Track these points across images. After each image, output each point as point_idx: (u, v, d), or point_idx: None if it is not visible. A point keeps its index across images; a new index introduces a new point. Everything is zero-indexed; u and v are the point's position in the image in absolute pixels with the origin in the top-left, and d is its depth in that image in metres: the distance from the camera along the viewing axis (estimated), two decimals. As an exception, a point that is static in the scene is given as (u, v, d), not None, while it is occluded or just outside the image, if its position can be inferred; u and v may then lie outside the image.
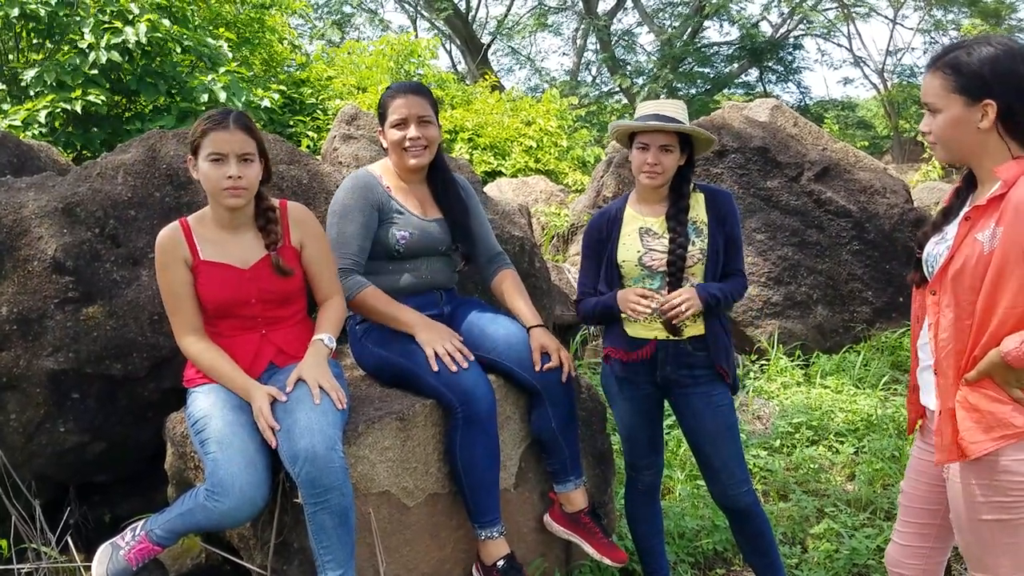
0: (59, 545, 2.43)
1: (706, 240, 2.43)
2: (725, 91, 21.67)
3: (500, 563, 2.30)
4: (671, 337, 2.40)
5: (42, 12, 6.28)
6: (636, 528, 2.66)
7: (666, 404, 2.56)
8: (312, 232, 2.30)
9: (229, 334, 2.21)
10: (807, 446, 3.92)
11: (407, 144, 2.44)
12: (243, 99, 6.73)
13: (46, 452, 2.72)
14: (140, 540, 2.09)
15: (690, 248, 2.40)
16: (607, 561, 2.43)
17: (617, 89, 22.03)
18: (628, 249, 2.45)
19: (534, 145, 9.48)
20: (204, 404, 2.09)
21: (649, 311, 2.33)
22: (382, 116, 2.49)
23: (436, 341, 2.32)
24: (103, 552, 2.11)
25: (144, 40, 6.31)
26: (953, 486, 1.71)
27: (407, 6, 23.56)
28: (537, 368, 2.42)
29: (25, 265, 2.65)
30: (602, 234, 2.53)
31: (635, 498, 2.64)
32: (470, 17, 22.23)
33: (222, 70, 6.86)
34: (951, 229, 1.75)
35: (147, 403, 2.78)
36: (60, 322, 2.63)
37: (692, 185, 2.49)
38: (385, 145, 2.51)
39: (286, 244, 2.26)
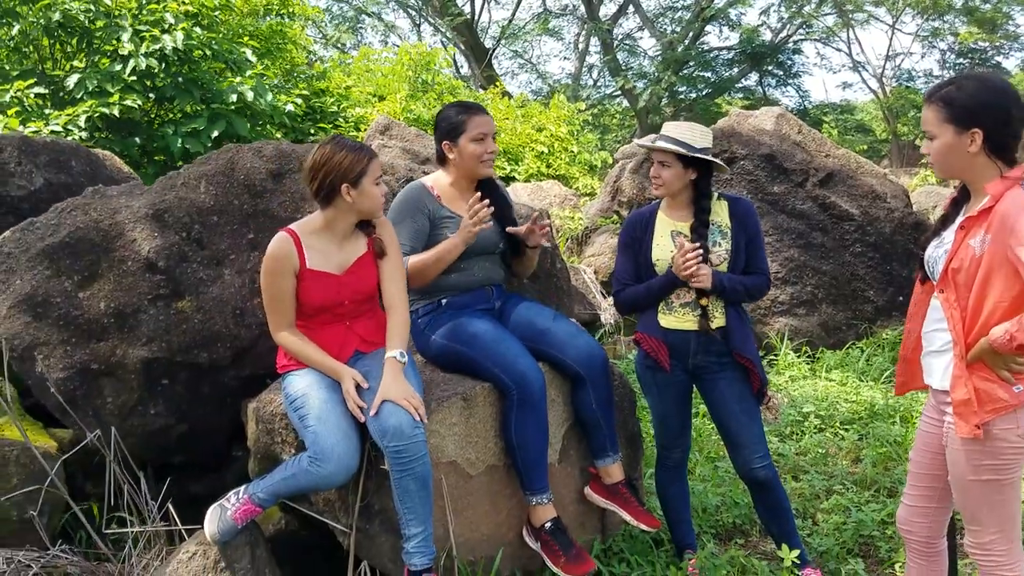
0: (160, 512, 2.74)
1: (730, 242, 2.76)
2: (726, 95, 22.03)
3: (548, 524, 2.61)
4: (701, 328, 2.72)
5: (81, 17, 6.60)
6: (667, 502, 2.99)
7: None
8: (392, 241, 2.60)
9: (319, 327, 2.53)
10: (815, 433, 4.24)
11: (486, 157, 2.78)
12: (269, 99, 7.00)
13: (137, 433, 3.03)
14: (244, 502, 2.41)
15: (716, 249, 2.74)
16: (643, 527, 2.74)
17: (618, 92, 22.41)
18: (662, 249, 2.78)
19: (545, 151, 9.80)
20: (301, 385, 2.41)
21: (694, 256, 2.63)
22: (456, 130, 2.77)
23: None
24: (212, 512, 2.42)
25: (181, 47, 6.62)
26: (952, 452, 2.04)
27: (411, 11, 23.91)
28: (526, 228, 2.82)
29: (120, 265, 2.97)
30: (636, 233, 2.86)
31: (665, 475, 2.96)
32: (474, 22, 22.57)
33: (248, 73, 7.16)
34: (948, 235, 2.08)
35: (227, 390, 3.09)
36: (153, 316, 2.95)
37: (717, 195, 2.82)
38: (450, 157, 2.82)
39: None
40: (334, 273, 2.50)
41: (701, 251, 2.65)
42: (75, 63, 6.89)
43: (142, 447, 3.08)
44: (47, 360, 2.89)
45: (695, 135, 2.74)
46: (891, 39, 38.94)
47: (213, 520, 2.41)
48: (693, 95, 21.48)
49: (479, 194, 2.71)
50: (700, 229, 2.75)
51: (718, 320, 2.75)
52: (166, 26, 6.55)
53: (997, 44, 18.79)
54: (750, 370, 2.75)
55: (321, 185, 2.40)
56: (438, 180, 2.89)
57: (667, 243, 2.79)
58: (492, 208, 2.70)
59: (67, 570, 2.59)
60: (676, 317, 2.78)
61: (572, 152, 10.08)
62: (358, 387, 2.39)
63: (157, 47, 6.36)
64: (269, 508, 2.52)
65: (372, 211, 2.49)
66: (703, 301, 2.74)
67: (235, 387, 3.09)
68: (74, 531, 3.07)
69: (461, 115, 2.77)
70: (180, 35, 6.36)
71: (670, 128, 2.77)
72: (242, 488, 2.46)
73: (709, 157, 2.73)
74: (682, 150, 2.68)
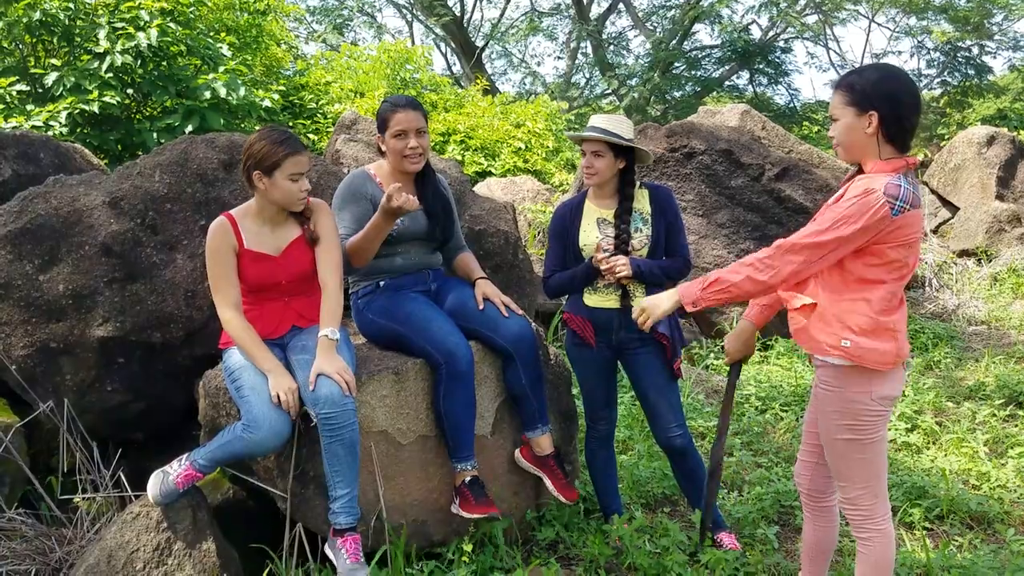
0: (112, 480, 2.92)
1: (650, 227, 2.95)
2: (714, 93, 22.17)
3: (467, 479, 2.79)
4: (622, 306, 2.92)
5: (61, 16, 6.76)
6: (595, 471, 3.18)
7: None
8: (326, 223, 2.76)
9: (260, 303, 2.71)
10: (756, 414, 4.43)
11: (407, 152, 2.89)
12: (240, 93, 7.10)
13: (95, 409, 3.21)
14: (186, 468, 2.58)
15: (637, 235, 2.93)
16: (561, 498, 2.93)
17: (609, 91, 22.57)
18: (588, 235, 2.97)
19: (523, 146, 9.98)
20: (239, 359, 2.59)
21: (608, 255, 2.86)
22: (382, 126, 2.93)
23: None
24: (155, 477, 2.60)
25: (156, 44, 6.78)
26: (819, 413, 2.22)
27: (404, 11, 24.06)
28: (480, 307, 2.91)
29: (79, 249, 3.14)
30: (565, 222, 3.04)
31: (593, 444, 3.16)
32: (465, 20, 22.72)
33: (221, 68, 7.28)
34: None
35: (180, 368, 3.27)
36: (108, 297, 3.13)
37: (639, 184, 3.02)
38: (383, 149, 2.98)
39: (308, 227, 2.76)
40: (271, 255, 2.67)
41: (610, 253, 2.87)
42: (55, 61, 7.05)
43: (101, 423, 3.25)
44: (8, 339, 3.07)
45: (623, 127, 2.92)
46: (868, 35, 39.05)
47: (156, 484, 2.58)
48: (679, 94, 21.62)
49: (398, 184, 2.75)
50: (624, 216, 2.94)
51: (638, 299, 2.94)
52: (141, 23, 6.71)
53: (983, 43, 18.95)
54: (667, 346, 2.94)
55: (243, 170, 2.59)
56: (381, 167, 3.05)
57: (593, 230, 2.98)
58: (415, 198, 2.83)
59: (23, 532, 2.76)
60: (600, 296, 2.97)
61: (549, 148, 10.26)
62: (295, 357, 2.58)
63: (133, 44, 6.53)
64: (212, 475, 2.70)
65: (284, 203, 2.64)
66: (624, 282, 2.93)
67: (189, 366, 3.26)
68: (38, 503, 3.25)
69: (386, 111, 2.91)
70: (155, 32, 6.52)
71: (600, 120, 2.95)
72: (185, 455, 2.64)
73: (638, 145, 2.93)
74: (614, 139, 2.87)
